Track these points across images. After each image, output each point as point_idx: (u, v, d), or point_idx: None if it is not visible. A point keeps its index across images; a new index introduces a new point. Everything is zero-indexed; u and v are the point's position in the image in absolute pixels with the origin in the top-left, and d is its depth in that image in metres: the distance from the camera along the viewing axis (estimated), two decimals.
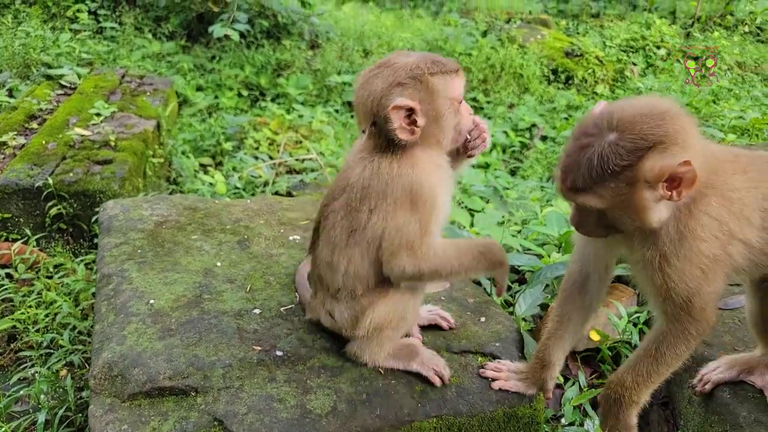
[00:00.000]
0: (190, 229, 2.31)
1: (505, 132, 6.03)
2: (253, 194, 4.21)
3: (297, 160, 4.69)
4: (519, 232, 3.14)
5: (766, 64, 8.02)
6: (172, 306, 1.86)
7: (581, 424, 1.96)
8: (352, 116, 6.25)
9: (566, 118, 6.60)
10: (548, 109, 6.78)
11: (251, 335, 1.78)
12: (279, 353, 1.72)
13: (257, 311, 1.88)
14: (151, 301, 1.87)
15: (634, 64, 7.76)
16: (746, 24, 9.58)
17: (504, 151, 5.84)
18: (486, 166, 5.48)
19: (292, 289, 2.01)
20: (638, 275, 1.52)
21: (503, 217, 3.35)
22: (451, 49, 7.23)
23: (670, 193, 1.32)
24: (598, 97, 7.20)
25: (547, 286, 2.42)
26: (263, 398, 1.57)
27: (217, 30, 6.20)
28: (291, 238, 2.33)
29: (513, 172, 5.39)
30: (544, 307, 2.42)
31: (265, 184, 4.25)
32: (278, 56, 6.99)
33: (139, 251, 2.12)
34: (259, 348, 1.73)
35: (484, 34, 7.86)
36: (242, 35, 6.69)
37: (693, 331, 1.48)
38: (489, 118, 6.55)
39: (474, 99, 6.81)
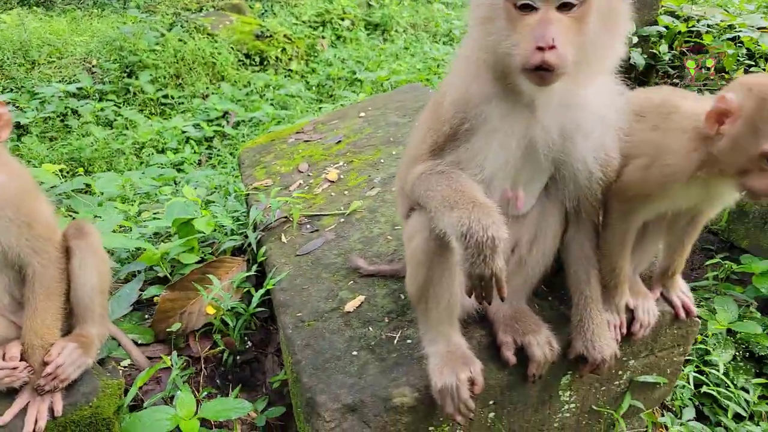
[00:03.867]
0: None
1: (198, 124, 5.99)
2: None
3: None
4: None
5: (432, 22, 9.30)
6: None
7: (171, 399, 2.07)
8: (20, 143, 5.55)
9: (261, 97, 6.81)
10: (246, 93, 6.90)
11: None
12: None
13: None
14: None
15: (323, 38, 8.31)
16: None
17: (199, 144, 5.81)
18: (181, 163, 5.39)
19: None
20: None
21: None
22: (134, 47, 6.84)
23: None
24: (294, 73, 7.58)
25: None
26: None
27: None
28: None
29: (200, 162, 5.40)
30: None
31: None
32: None
33: None
34: None
35: (171, 27, 7.60)
36: None
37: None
38: (184, 112, 6.43)
39: (166, 96, 6.60)
